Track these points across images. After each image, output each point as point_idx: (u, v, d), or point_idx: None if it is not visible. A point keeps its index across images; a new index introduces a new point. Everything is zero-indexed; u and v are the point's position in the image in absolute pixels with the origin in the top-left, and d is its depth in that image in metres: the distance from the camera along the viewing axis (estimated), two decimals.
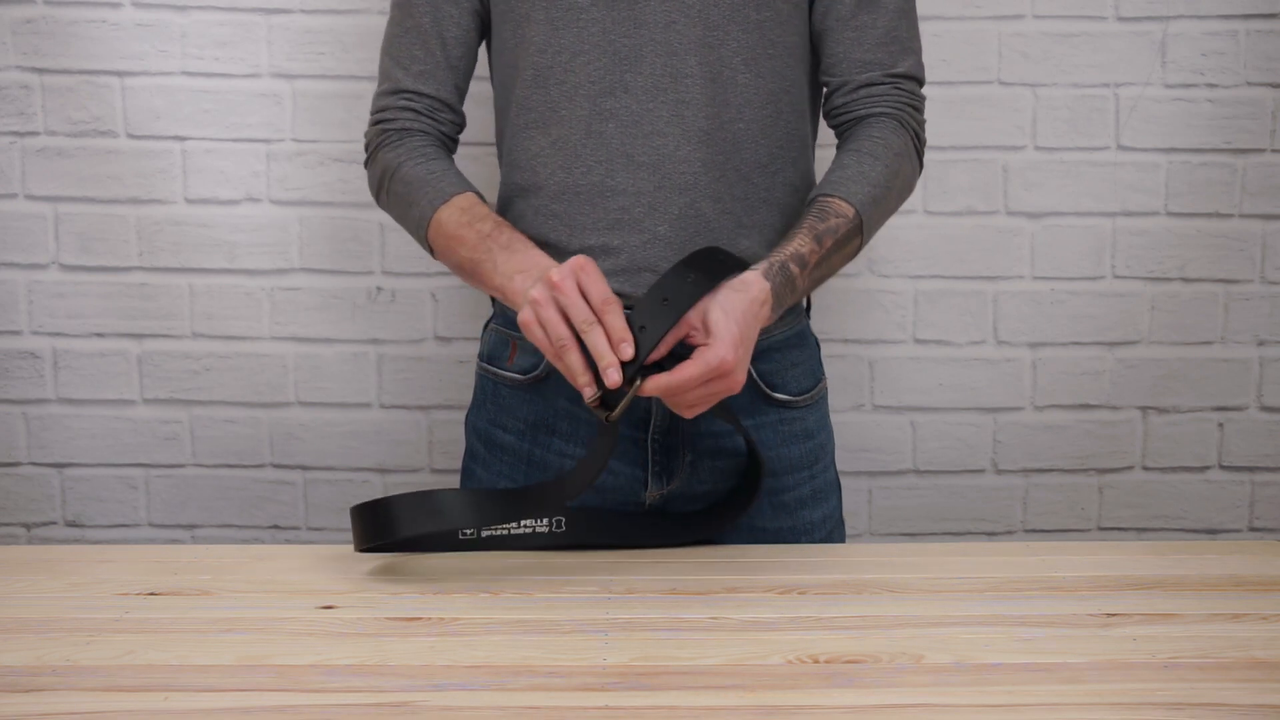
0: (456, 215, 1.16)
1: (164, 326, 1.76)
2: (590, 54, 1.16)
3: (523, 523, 1.15)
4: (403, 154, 1.21)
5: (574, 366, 1.01)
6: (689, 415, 1.05)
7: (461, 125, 1.27)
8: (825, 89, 1.24)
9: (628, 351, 0.99)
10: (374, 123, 1.24)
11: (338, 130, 1.72)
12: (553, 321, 1.01)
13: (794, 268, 1.11)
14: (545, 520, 1.15)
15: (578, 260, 1.02)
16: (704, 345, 1.02)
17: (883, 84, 1.20)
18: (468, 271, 1.16)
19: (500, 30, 1.21)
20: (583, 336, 1.00)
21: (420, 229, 1.19)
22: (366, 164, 1.26)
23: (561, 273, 1.01)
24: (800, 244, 1.12)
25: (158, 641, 0.92)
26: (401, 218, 1.23)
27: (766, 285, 1.08)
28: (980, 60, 1.72)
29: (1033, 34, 1.71)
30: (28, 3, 1.69)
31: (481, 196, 1.19)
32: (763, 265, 1.10)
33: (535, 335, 1.03)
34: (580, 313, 1.00)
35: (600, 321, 1.00)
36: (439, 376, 1.78)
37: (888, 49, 1.20)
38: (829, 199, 1.15)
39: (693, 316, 1.04)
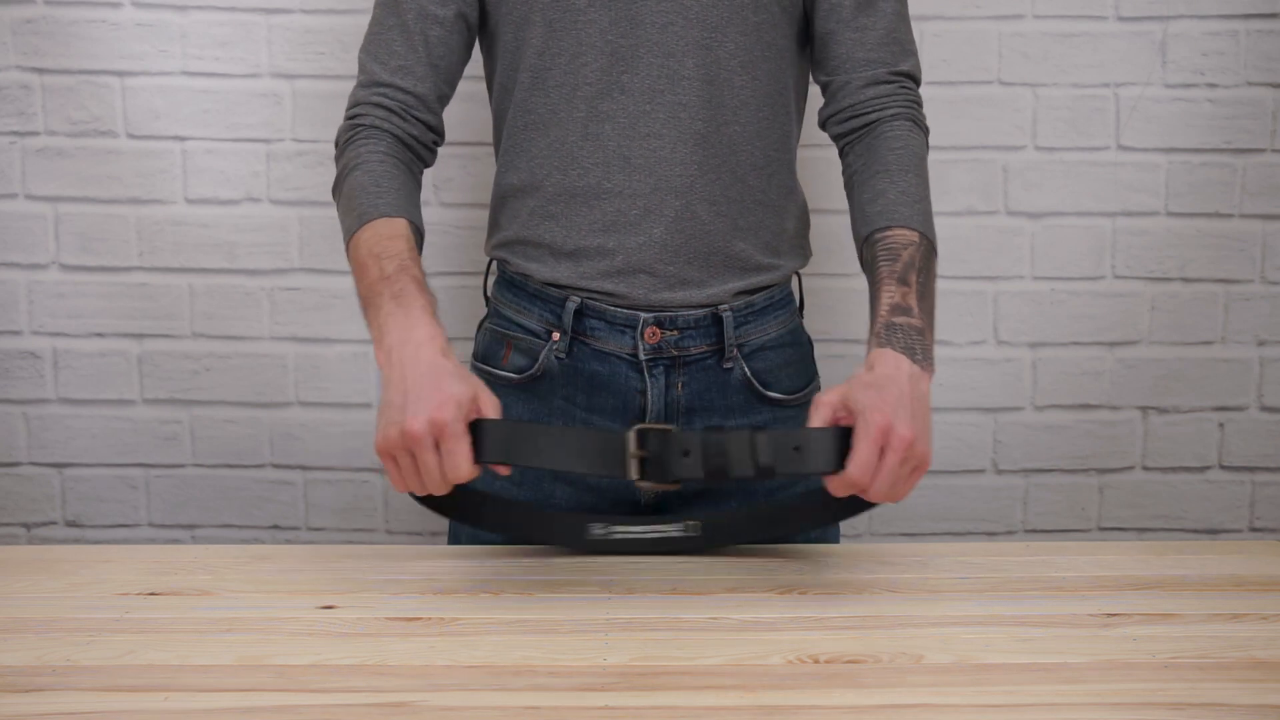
0: (371, 242, 1.09)
1: (164, 326, 1.76)
2: (588, 55, 1.16)
3: (654, 527, 1.13)
4: (361, 155, 1.15)
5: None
6: (892, 498, 1.00)
7: (438, 131, 1.21)
8: (827, 89, 1.22)
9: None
10: (346, 118, 1.20)
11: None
12: (429, 470, 0.97)
13: (900, 319, 1.06)
14: (677, 524, 1.14)
15: (448, 424, 0.95)
16: (856, 425, 0.98)
17: (890, 82, 1.19)
18: (363, 305, 1.10)
19: (501, 34, 1.21)
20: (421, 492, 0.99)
21: (346, 243, 1.14)
22: (335, 160, 1.21)
23: (422, 433, 0.95)
24: (889, 295, 1.08)
25: (158, 641, 0.92)
26: (341, 225, 1.17)
27: (886, 350, 1.04)
28: (980, 60, 1.72)
29: (1033, 34, 1.71)
30: (28, 3, 1.69)
31: (416, 225, 1.12)
32: (872, 341, 1.06)
33: (393, 471, 1.00)
34: (430, 482, 0.97)
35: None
36: None
37: (889, 49, 1.19)
38: (889, 232, 1.11)
39: (833, 400, 1.00)
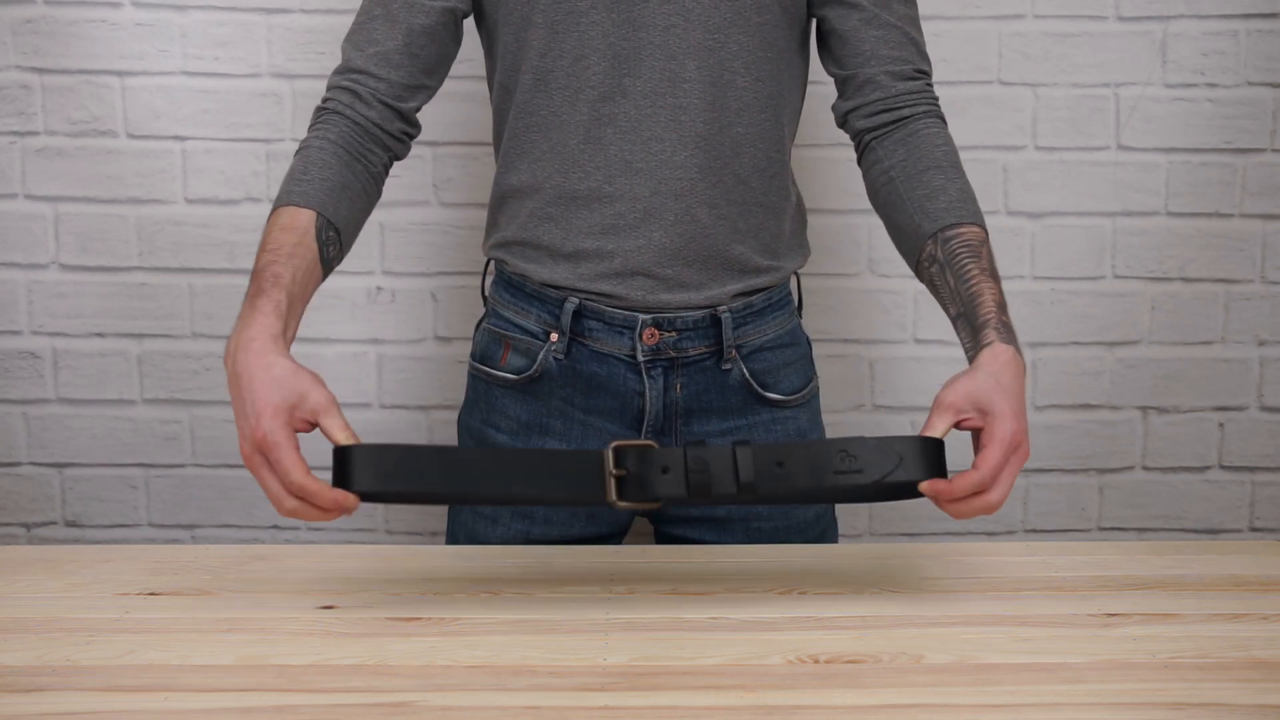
0: (267, 232, 1.09)
1: (164, 326, 1.76)
2: (590, 58, 1.16)
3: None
4: (308, 140, 1.15)
5: (316, 520, 0.95)
6: (1000, 501, 0.98)
7: (408, 120, 1.19)
8: (849, 82, 1.20)
9: (350, 507, 0.95)
10: (320, 102, 1.19)
11: None
12: (268, 488, 0.94)
13: (1006, 316, 1.08)
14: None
15: (266, 435, 0.93)
16: (986, 425, 0.99)
17: (917, 79, 1.19)
18: None
19: (502, 34, 1.20)
20: (291, 515, 0.95)
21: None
22: None
23: (251, 452, 0.94)
24: (992, 291, 1.09)
25: (158, 641, 0.92)
26: None
27: (1010, 348, 1.04)
28: (980, 60, 1.72)
29: (1033, 34, 1.71)
30: (28, 3, 1.69)
31: (327, 215, 1.10)
32: (990, 333, 1.06)
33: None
34: (279, 501, 0.94)
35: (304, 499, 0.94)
36: (439, 376, 1.78)
37: (909, 48, 1.19)
38: (962, 229, 1.13)
39: (959, 400, 0.99)
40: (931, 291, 1.15)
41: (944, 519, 1.80)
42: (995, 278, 1.10)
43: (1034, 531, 1.82)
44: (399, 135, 1.19)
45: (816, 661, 0.88)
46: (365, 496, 0.95)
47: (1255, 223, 1.75)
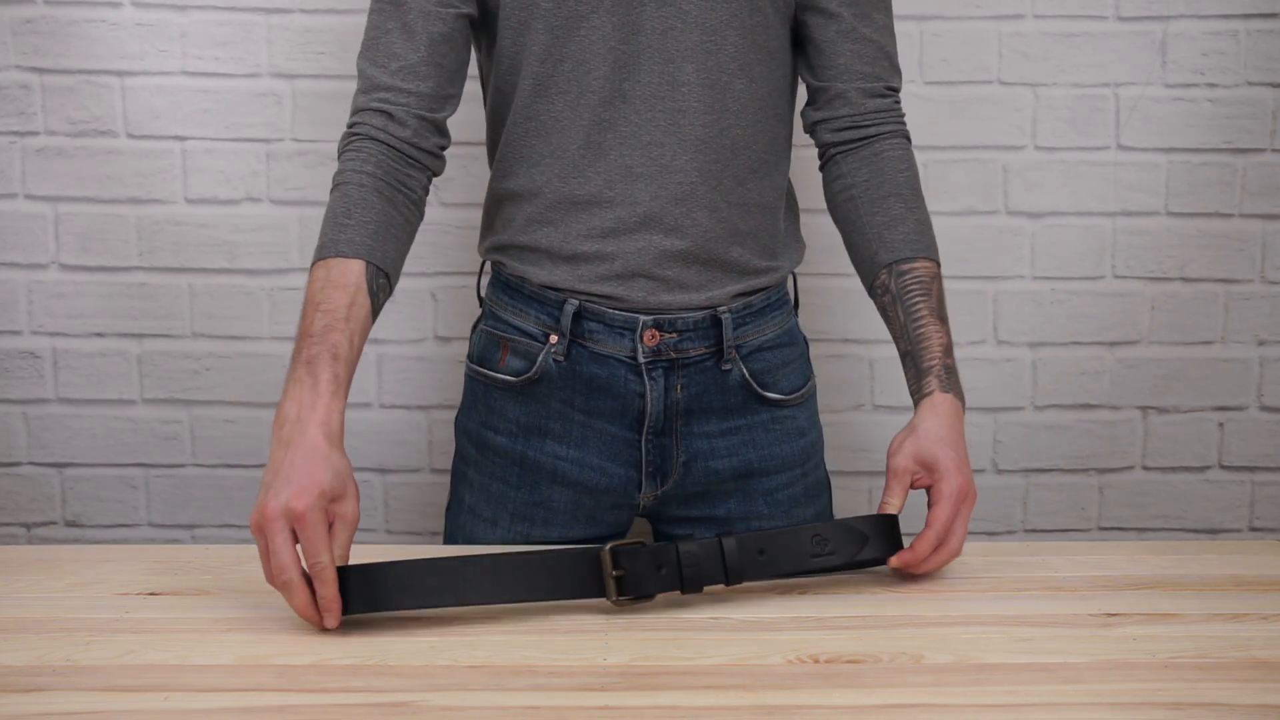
0: (317, 285, 1.07)
1: (164, 326, 1.76)
2: (592, 62, 1.15)
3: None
4: (345, 173, 1.12)
5: (296, 607, 0.95)
6: (961, 545, 1.07)
7: (443, 132, 1.17)
8: (821, 94, 1.22)
9: (330, 621, 0.94)
10: (347, 126, 1.16)
11: (337, 130, 1.70)
12: (278, 553, 0.93)
13: (949, 359, 1.14)
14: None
15: (307, 510, 0.93)
16: (934, 483, 1.07)
17: (886, 96, 1.21)
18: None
19: (500, 38, 1.19)
20: (280, 590, 0.94)
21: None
22: None
23: (276, 516, 0.93)
24: (939, 335, 1.15)
25: (158, 641, 0.92)
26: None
27: (949, 396, 1.12)
28: (980, 60, 1.72)
29: (1033, 34, 1.71)
30: (28, 3, 1.69)
31: (376, 262, 1.08)
32: (932, 381, 1.12)
33: (260, 551, 0.96)
34: (281, 571, 0.93)
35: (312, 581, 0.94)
36: (439, 376, 1.78)
37: (882, 63, 1.21)
38: (916, 264, 1.17)
39: (908, 464, 1.08)
40: (882, 317, 1.20)
41: None
42: (943, 318, 1.16)
43: (1034, 531, 1.82)
44: (435, 151, 1.17)
45: (816, 661, 0.88)
46: (362, 610, 0.96)
47: (1255, 223, 1.75)
